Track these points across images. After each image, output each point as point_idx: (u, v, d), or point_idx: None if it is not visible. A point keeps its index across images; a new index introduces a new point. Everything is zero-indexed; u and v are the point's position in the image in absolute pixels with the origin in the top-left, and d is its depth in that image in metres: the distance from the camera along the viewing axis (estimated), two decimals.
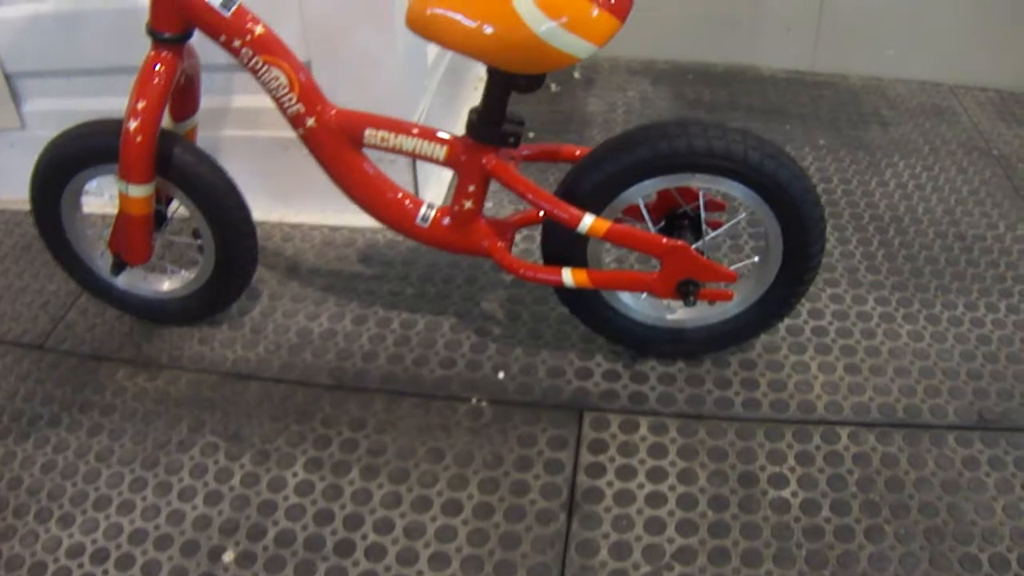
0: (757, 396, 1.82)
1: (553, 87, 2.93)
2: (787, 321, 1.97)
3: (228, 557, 1.57)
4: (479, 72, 1.59)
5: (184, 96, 1.82)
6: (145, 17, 1.64)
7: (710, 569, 1.52)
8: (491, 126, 1.63)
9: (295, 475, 1.70)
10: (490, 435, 1.76)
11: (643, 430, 1.76)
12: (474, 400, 1.84)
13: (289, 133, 1.74)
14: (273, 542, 1.59)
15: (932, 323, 1.98)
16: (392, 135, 1.69)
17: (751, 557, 1.53)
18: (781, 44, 2.97)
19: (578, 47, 1.44)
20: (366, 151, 1.75)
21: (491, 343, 1.96)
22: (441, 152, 1.69)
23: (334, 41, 2.03)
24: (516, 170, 1.68)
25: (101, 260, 1.97)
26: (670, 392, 1.83)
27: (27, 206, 1.91)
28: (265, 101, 1.72)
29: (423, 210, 1.77)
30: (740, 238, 2.23)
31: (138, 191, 1.73)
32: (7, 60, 2.21)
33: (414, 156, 1.70)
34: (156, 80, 1.66)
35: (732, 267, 1.74)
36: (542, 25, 1.42)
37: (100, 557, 1.57)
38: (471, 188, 1.70)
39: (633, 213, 1.74)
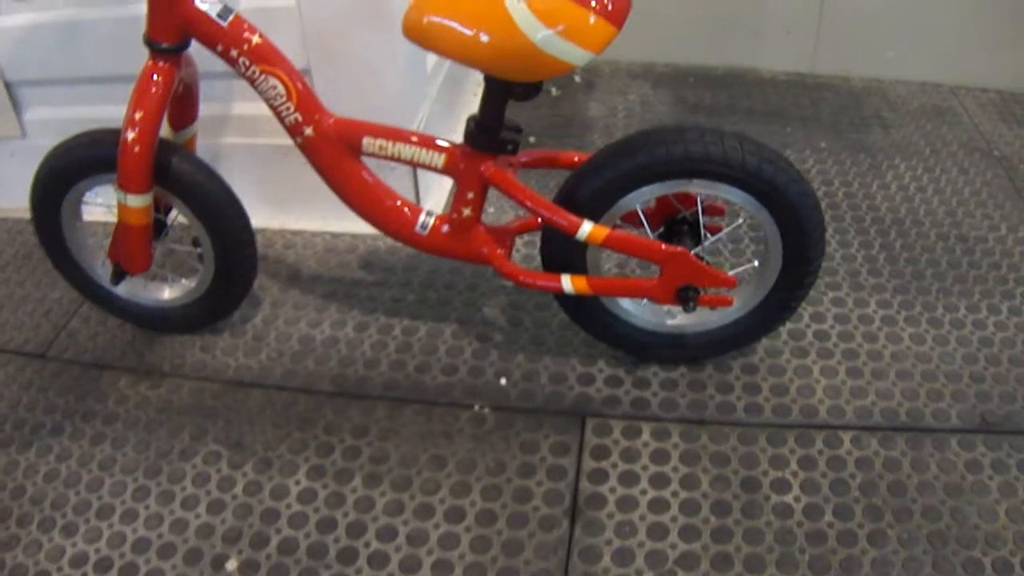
0: (759, 400, 1.82)
1: (554, 91, 2.93)
2: (789, 325, 1.97)
3: (231, 565, 1.57)
4: (479, 78, 1.59)
5: (183, 105, 1.83)
6: (144, 26, 1.64)
7: (713, 575, 1.52)
8: (489, 134, 1.63)
9: (298, 483, 1.70)
10: (492, 442, 1.76)
11: (645, 435, 1.76)
12: (476, 407, 1.84)
13: (289, 140, 1.74)
14: (276, 550, 1.59)
15: (934, 326, 1.98)
16: (390, 143, 1.69)
17: (754, 562, 1.53)
18: (781, 46, 2.96)
19: (575, 55, 1.44)
20: (364, 159, 1.75)
21: (493, 349, 1.96)
22: (439, 160, 1.69)
23: (333, 48, 2.03)
24: (514, 177, 1.68)
25: (102, 269, 1.97)
26: (672, 397, 1.83)
27: (28, 214, 1.91)
28: (265, 108, 1.72)
29: (422, 218, 1.77)
30: (741, 242, 2.23)
31: (137, 201, 1.73)
32: (8, 69, 2.21)
33: (412, 164, 1.70)
34: (154, 90, 1.66)
35: (732, 272, 1.74)
36: (539, 33, 1.42)
37: (104, 566, 1.57)
38: (470, 195, 1.70)
39: (632, 219, 1.74)
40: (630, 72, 3.05)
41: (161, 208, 1.91)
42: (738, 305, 1.80)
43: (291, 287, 2.15)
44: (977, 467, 1.67)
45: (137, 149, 1.67)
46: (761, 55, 3.00)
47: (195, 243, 1.90)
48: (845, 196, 2.40)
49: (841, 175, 2.49)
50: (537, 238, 1.77)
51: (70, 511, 1.67)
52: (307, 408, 1.85)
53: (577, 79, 3.00)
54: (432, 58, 2.37)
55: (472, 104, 1.79)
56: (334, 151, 1.72)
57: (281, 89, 1.66)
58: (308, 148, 1.72)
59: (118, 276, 1.90)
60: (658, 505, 1.63)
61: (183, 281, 2.00)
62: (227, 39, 1.63)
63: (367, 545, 1.59)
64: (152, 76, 1.66)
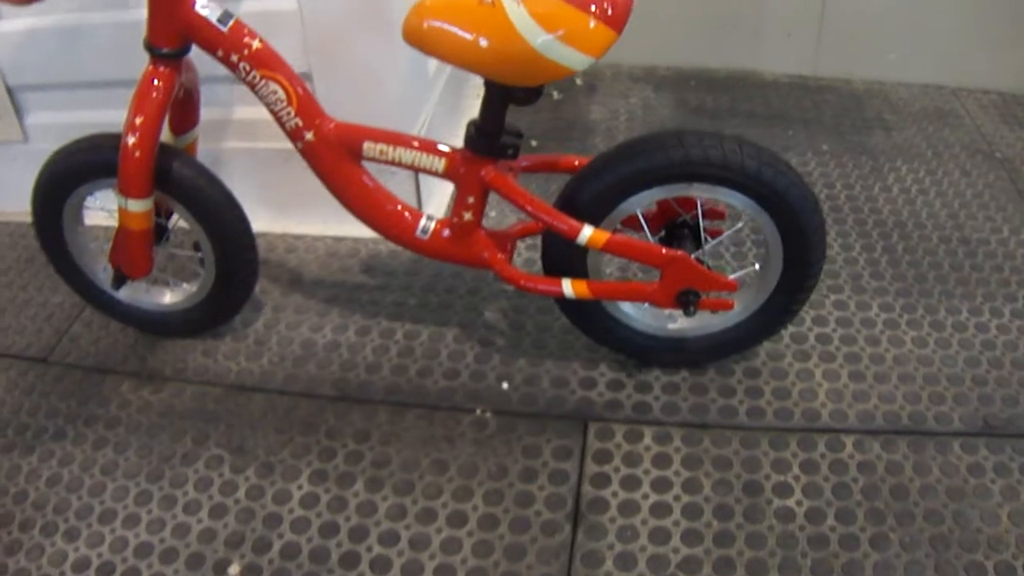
0: (761, 404, 1.81)
1: (555, 94, 2.93)
2: (791, 328, 1.97)
3: (234, 570, 1.57)
4: (481, 81, 1.59)
5: (183, 110, 1.83)
6: (144, 31, 1.65)
7: None
8: (489, 138, 1.63)
9: (300, 487, 1.70)
10: (494, 446, 1.76)
11: (647, 440, 1.76)
12: (478, 411, 1.84)
13: (290, 144, 1.75)
14: (278, 555, 1.59)
15: (936, 329, 1.98)
16: (391, 148, 1.69)
17: (756, 567, 1.53)
18: (783, 49, 2.96)
19: (575, 59, 1.44)
20: (365, 164, 1.75)
21: (495, 353, 1.96)
22: (440, 164, 1.69)
23: (335, 53, 2.03)
24: (515, 182, 1.68)
25: (103, 273, 1.97)
26: (674, 401, 1.83)
27: (30, 218, 1.91)
28: (266, 112, 1.72)
29: (422, 222, 1.77)
30: (743, 245, 2.23)
31: (137, 206, 1.73)
32: (9, 73, 2.22)
33: (413, 169, 1.70)
34: (154, 95, 1.66)
35: (733, 276, 1.74)
36: (538, 38, 1.42)
37: (106, 571, 1.57)
38: (470, 200, 1.70)
39: (633, 223, 1.74)
40: (632, 75, 3.05)
41: (162, 212, 1.91)
42: (739, 309, 1.80)
43: (293, 291, 2.15)
44: (979, 470, 1.67)
45: (138, 154, 1.67)
46: (763, 58, 3.00)
47: (196, 247, 1.90)
48: (847, 199, 2.40)
49: (843, 178, 2.49)
50: (539, 241, 1.77)
51: (72, 516, 1.67)
52: (309, 412, 1.85)
53: (579, 82, 3.00)
54: (434, 62, 2.37)
55: (475, 106, 1.79)
56: (335, 156, 1.72)
57: (281, 94, 1.66)
58: (309, 153, 1.72)
59: (119, 281, 1.91)
60: (660, 509, 1.63)
61: (184, 285, 2.00)
62: (227, 44, 1.63)
63: (369, 549, 1.59)
64: (152, 81, 1.66)
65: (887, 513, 1.60)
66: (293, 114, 1.68)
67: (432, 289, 2.13)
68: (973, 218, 2.31)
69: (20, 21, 2.12)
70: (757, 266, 1.83)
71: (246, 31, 1.64)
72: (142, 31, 1.65)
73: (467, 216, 1.72)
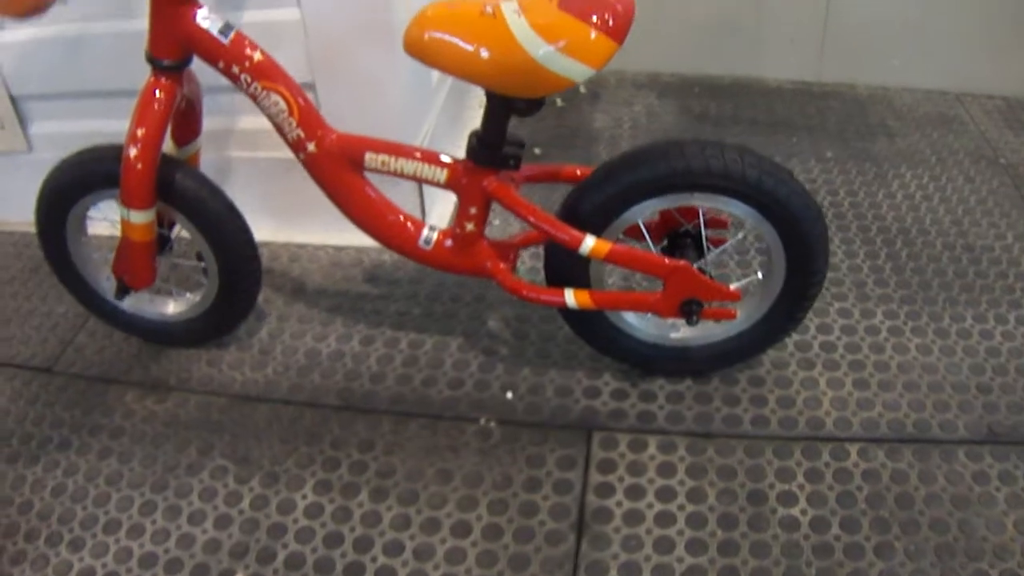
0: (766, 413, 1.81)
1: (559, 102, 2.93)
2: (795, 336, 1.97)
3: None
4: (483, 91, 1.59)
5: (186, 121, 1.83)
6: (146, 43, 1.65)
7: None
8: (491, 149, 1.63)
9: (304, 497, 1.70)
10: (499, 456, 1.76)
11: (652, 449, 1.75)
12: (482, 420, 1.83)
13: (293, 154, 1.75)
14: (283, 565, 1.59)
15: (941, 336, 1.97)
16: (393, 158, 1.69)
17: None
18: (786, 55, 2.96)
19: (576, 71, 1.44)
20: (367, 175, 1.75)
21: (499, 363, 1.96)
22: (442, 175, 1.69)
23: (338, 64, 2.04)
24: (517, 192, 1.68)
25: (107, 283, 1.98)
26: (678, 410, 1.83)
27: (34, 228, 1.92)
28: (268, 122, 1.72)
29: (425, 232, 1.77)
30: (747, 254, 2.23)
31: (139, 217, 1.74)
32: (13, 83, 2.22)
33: (415, 179, 1.70)
34: (156, 106, 1.67)
35: (735, 285, 1.74)
36: (539, 49, 1.42)
37: None
38: (473, 210, 1.70)
39: (635, 233, 1.74)
40: (635, 82, 3.05)
41: (165, 223, 1.91)
42: (742, 318, 1.80)
43: (296, 301, 2.15)
44: (984, 478, 1.66)
45: (139, 166, 1.68)
46: (766, 64, 3.00)
47: (199, 257, 1.90)
48: (851, 206, 2.39)
49: (847, 184, 2.48)
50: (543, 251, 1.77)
51: (77, 526, 1.67)
52: (313, 422, 1.85)
53: (582, 90, 3.00)
54: (436, 72, 2.37)
55: (477, 118, 1.79)
56: (337, 167, 1.72)
57: (283, 105, 1.66)
58: (311, 164, 1.73)
59: (122, 291, 1.91)
60: (664, 519, 1.63)
61: (188, 295, 2.01)
62: (228, 56, 1.63)
63: (374, 560, 1.59)
64: (154, 92, 1.67)
65: (892, 522, 1.60)
66: (295, 125, 1.68)
67: (436, 298, 2.14)
68: (977, 224, 2.31)
69: (23, 31, 2.13)
70: (760, 275, 1.83)
71: (247, 43, 1.64)
72: (144, 40, 1.65)
73: (469, 227, 1.72)
